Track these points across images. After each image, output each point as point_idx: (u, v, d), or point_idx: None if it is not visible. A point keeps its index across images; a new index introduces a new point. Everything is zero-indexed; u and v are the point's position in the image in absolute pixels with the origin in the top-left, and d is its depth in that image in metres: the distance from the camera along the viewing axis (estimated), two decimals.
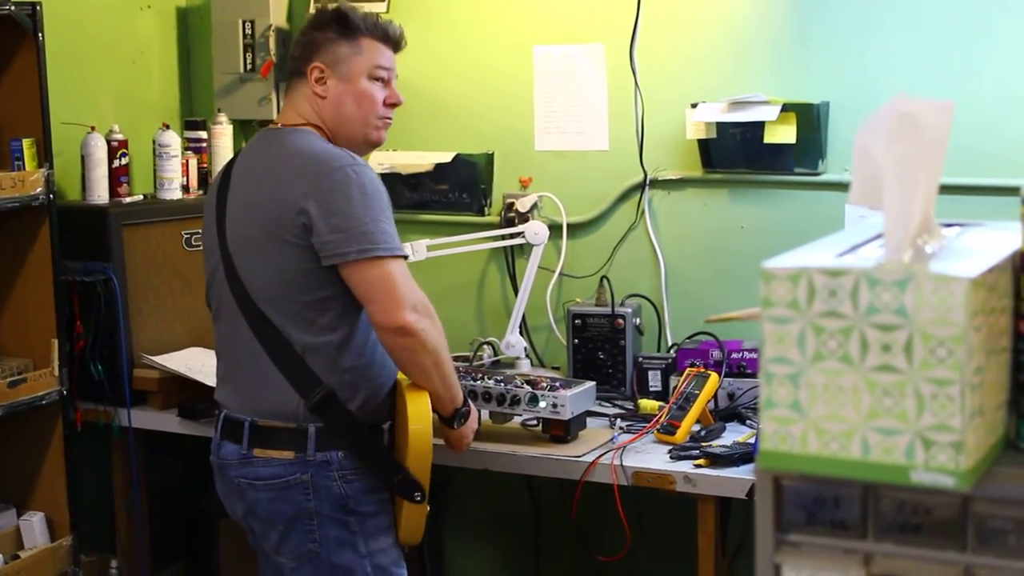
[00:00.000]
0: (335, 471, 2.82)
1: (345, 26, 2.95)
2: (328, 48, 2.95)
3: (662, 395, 3.54)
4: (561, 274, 3.98)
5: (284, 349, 2.81)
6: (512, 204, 4.00)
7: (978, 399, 1.30)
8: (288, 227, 2.77)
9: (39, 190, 3.56)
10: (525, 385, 3.27)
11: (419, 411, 2.84)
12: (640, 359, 3.64)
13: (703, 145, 3.77)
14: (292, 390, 2.81)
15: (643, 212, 3.90)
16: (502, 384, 3.28)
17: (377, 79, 2.96)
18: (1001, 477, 1.33)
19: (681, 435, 3.22)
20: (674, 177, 3.86)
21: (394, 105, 3.00)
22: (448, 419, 2.96)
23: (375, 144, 3.02)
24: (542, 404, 3.22)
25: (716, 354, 3.51)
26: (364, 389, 2.86)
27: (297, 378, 2.81)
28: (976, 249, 1.40)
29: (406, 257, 2.83)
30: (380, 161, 4.12)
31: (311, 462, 2.81)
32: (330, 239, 2.74)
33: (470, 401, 3.04)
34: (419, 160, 4.15)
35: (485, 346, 3.92)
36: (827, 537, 1.38)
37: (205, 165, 4.13)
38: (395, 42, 3.02)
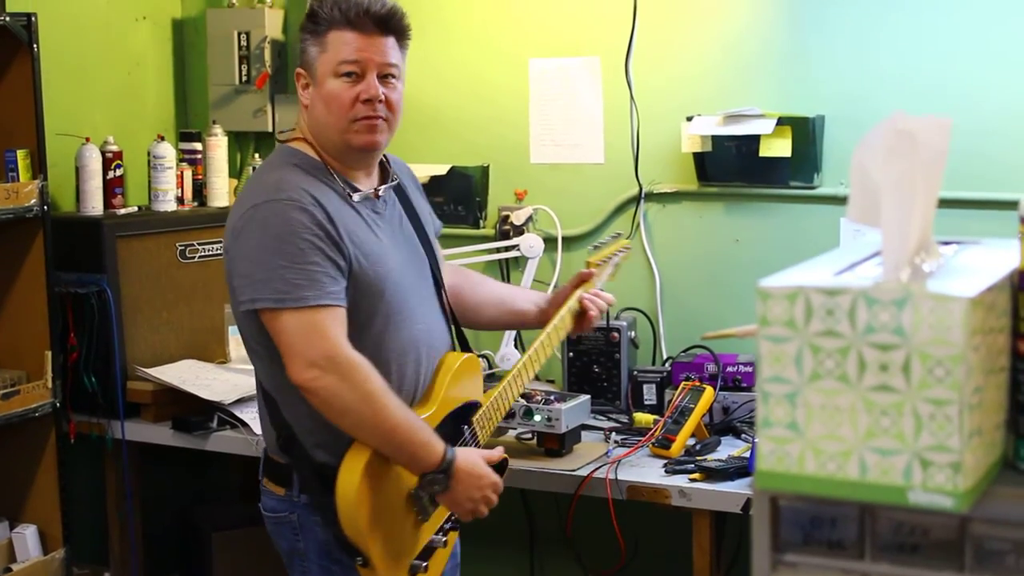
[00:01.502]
0: (320, 514, 2.63)
1: (314, 22, 2.67)
2: (304, 51, 2.69)
3: (657, 409, 3.54)
4: (556, 287, 3.97)
5: (260, 386, 2.72)
6: (507, 217, 4.00)
7: (976, 419, 1.29)
8: (225, 267, 2.66)
9: (33, 201, 3.56)
10: (520, 398, 3.25)
11: (350, 469, 2.55)
12: (635, 372, 3.64)
13: (698, 158, 3.77)
14: (271, 426, 2.70)
15: (638, 225, 3.89)
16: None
17: (344, 75, 2.63)
18: (999, 497, 1.32)
19: (676, 449, 3.21)
20: (669, 190, 3.86)
21: (370, 101, 2.63)
22: (419, 485, 2.64)
23: (364, 148, 2.67)
24: (537, 417, 3.22)
25: (711, 368, 3.50)
26: (321, 435, 2.60)
27: (269, 416, 2.70)
28: (974, 268, 1.39)
29: (326, 305, 2.51)
30: None
31: (296, 502, 2.67)
32: (234, 284, 2.58)
33: (462, 462, 2.63)
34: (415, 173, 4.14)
35: (480, 359, 3.90)
36: (824, 557, 1.38)
37: (200, 177, 4.12)
38: (366, 22, 2.63)
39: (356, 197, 2.68)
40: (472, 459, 2.66)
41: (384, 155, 2.84)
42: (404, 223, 2.81)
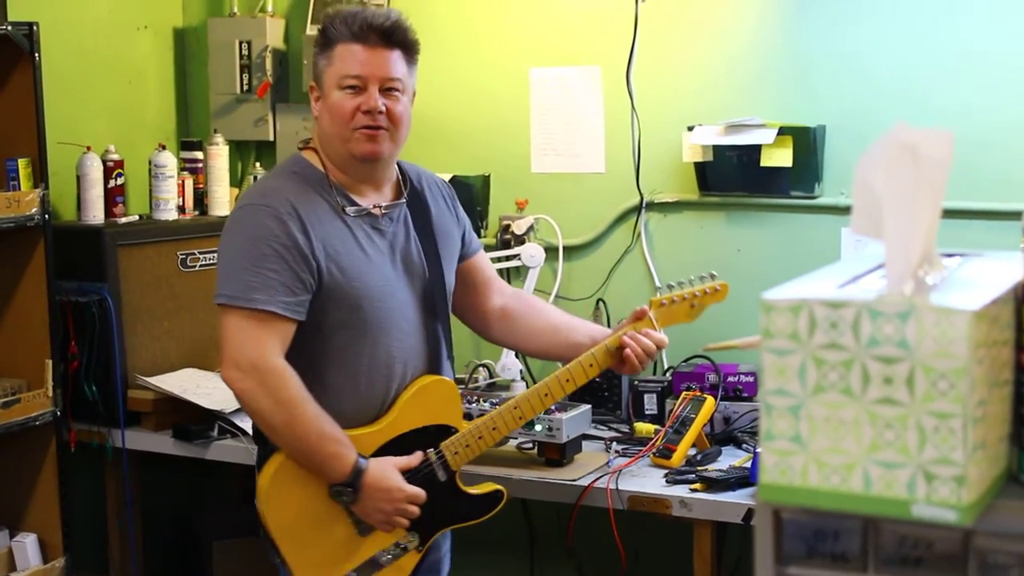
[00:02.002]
0: None
1: (324, 36, 2.76)
2: (315, 65, 2.79)
3: (658, 418, 3.53)
4: (557, 296, 3.98)
5: None
6: (508, 226, 4.00)
7: (980, 432, 1.29)
8: None
9: (34, 210, 3.56)
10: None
11: (271, 464, 2.72)
12: (636, 382, 3.63)
13: (699, 168, 3.77)
14: (255, 441, 2.87)
15: (639, 235, 3.89)
16: (497, 407, 3.26)
17: (347, 88, 2.71)
18: (1003, 511, 1.32)
19: (677, 459, 3.21)
20: (670, 200, 3.86)
21: (370, 112, 2.70)
22: (329, 494, 2.71)
23: (365, 157, 2.73)
24: (538, 427, 3.22)
25: (712, 377, 3.50)
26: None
27: (253, 430, 2.87)
28: (978, 280, 1.39)
29: (271, 312, 2.61)
30: None
31: None
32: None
33: (371, 476, 2.69)
34: None
35: (480, 368, 3.91)
36: (827, 570, 1.37)
37: (201, 186, 4.13)
38: (370, 35, 2.70)
39: (350, 211, 2.75)
40: (384, 473, 2.70)
41: (406, 170, 2.91)
42: (412, 242, 2.84)
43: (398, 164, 2.90)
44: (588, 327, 3.07)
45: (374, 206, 2.79)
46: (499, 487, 2.91)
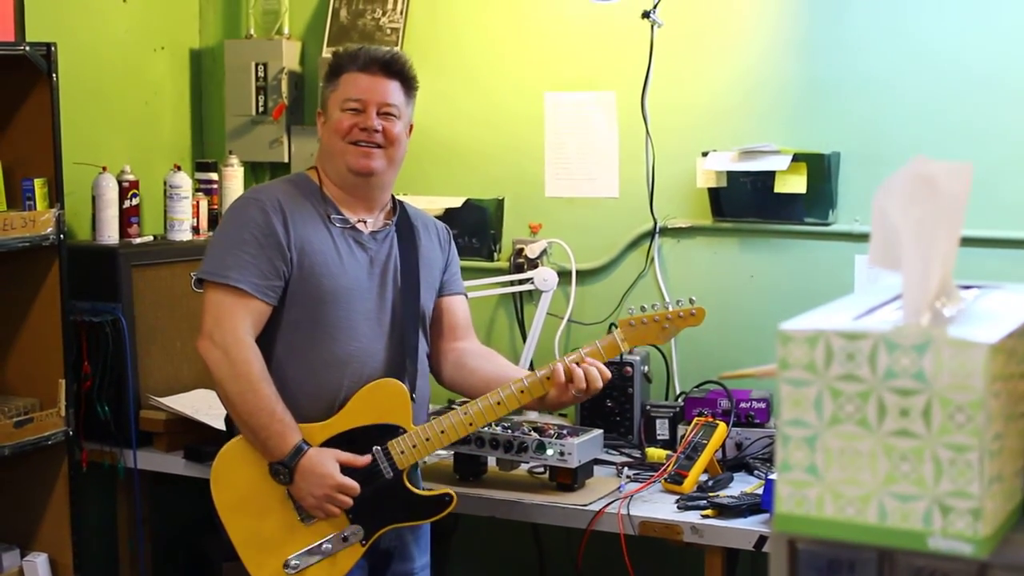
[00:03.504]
0: None
1: (332, 69, 3.02)
2: (323, 95, 3.04)
3: (670, 444, 3.53)
4: (570, 321, 3.98)
5: None
6: (522, 250, 4.01)
7: (997, 465, 1.29)
8: None
9: (50, 230, 3.57)
10: (532, 432, 3.25)
11: (226, 447, 2.94)
12: (648, 407, 3.63)
13: (713, 194, 3.77)
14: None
15: (652, 260, 3.90)
16: (509, 431, 3.27)
17: (347, 110, 2.95)
18: (1019, 544, 1.32)
19: (688, 485, 3.21)
20: (684, 225, 3.86)
21: (367, 130, 2.94)
22: (269, 471, 2.90)
23: (360, 171, 2.95)
24: (549, 452, 3.21)
25: (724, 403, 3.50)
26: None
27: None
28: (995, 313, 1.39)
29: (247, 291, 2.84)
30: None
31: None
32: None
33: (307, 460, 2.85)
34: (430, 205, 4.14)
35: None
36: None
37: (216, 207, 4.14)
38: (372, 66, 2.97)
39: (336, 221, 2.97)
40: (320, 459, 2.86)
41: (407, 209, 3.09)
42: (392, 261, 3.01)
43: (403, 205, 3.10)
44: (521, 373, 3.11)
45: (359, 221, 3.00)
46: (449, 491, 3.00)
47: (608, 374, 2.97)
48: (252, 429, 2.85)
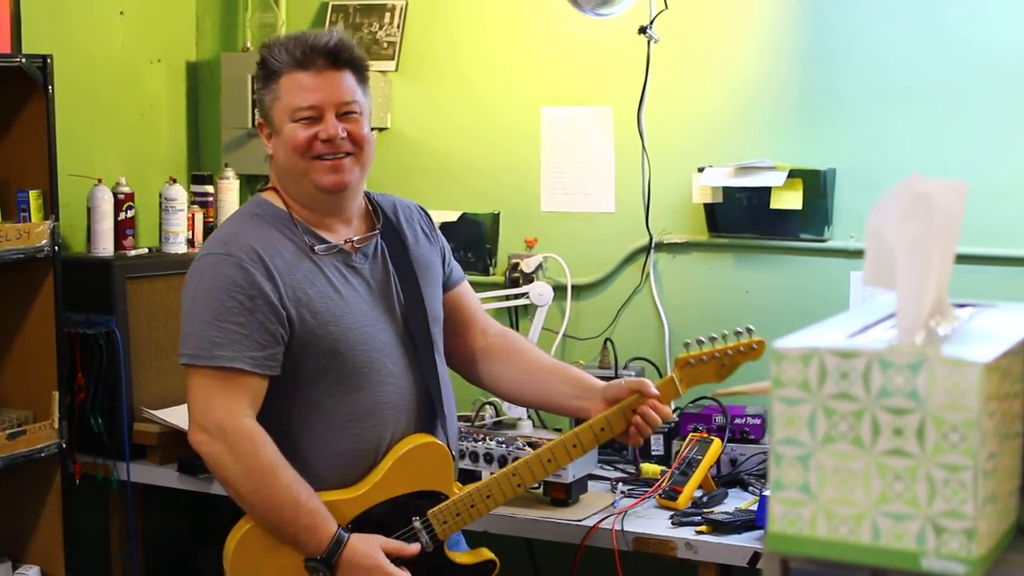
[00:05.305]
0: None
1: (265, 67, 2.57)
2: (261, 100, 2.60)
3: (664, 460, 3.52)
4: (565, 335, 3.97)
5: None
6: (517, 264, 4.00)
7: (991, 485, 1.28)
8: None
9: (44, 242, 3.56)
10: (527, 447, 3.24)
11: (237, 528, 2.56)
12: None
13: (709, 209, 3.78)
14: None
15: (648, 275, 3.89)
16: (504, 445, 3.27)
17: (300, 120, 2.53)
18: (1013, 565, 1.31)
19: (683, 501, 3.20)
20: (679, 240, 3.86)
21: (330, 140, 2.52)
22: (305, 568, 2.51)
23: (332, 189, 2.55)
24: None
25: (719, 419, 3.49)
26: None
27: None
28: (990, 332, 1.39)
29: (238, 369, 2.45)
30: None
31: None
32: None
33: (351, 553, 2.48)
34: None
35: (487, 407, 3.89)
36: None
37: (211, 219, 4.13)
38: (315, 59, 2.52)
39: (319, 250, 2.58)
40: (365, 550, 2.50)
41: (377, 201, 2.74)
42: (391, 278, 2.67)
43: (369, 196, 2.73)
44: (570, 373, 2.81)
45: (345, 241, 2.62)
46: (491, 557, 2.73)
47: (669, 414, 2.67)
48: (276, 526, 2.48)
